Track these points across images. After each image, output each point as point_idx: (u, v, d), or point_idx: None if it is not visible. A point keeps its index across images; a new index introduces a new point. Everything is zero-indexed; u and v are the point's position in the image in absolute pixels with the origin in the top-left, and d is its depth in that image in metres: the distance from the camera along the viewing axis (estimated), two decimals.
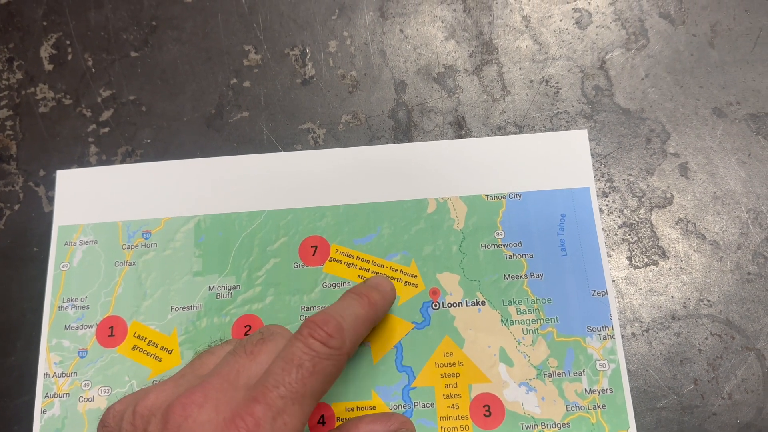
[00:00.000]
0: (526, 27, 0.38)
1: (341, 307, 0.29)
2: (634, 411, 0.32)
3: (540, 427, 0.32)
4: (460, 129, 0.37)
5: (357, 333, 0.28)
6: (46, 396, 0.34)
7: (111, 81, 0.40)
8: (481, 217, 0.35)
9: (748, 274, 0.34)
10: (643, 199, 0.35)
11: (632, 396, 0.32)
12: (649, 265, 0.34)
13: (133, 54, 0.40)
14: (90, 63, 0.40)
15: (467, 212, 0.35)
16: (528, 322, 0.33)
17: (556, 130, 0.36)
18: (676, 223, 0.35)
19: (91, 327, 0.35)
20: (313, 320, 0.27)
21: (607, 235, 0.35)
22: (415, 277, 0.35)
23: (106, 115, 0.39)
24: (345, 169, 0.37)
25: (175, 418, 0.24)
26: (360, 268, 0.35)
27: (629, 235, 0.35)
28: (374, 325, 0.31)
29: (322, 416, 0.32)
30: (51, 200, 0.37)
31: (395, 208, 0.36)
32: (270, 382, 0.25)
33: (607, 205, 0.35)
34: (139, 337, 0.34)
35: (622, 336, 0.33)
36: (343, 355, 0.27)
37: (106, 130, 0.39)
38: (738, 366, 0.32)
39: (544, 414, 0.32)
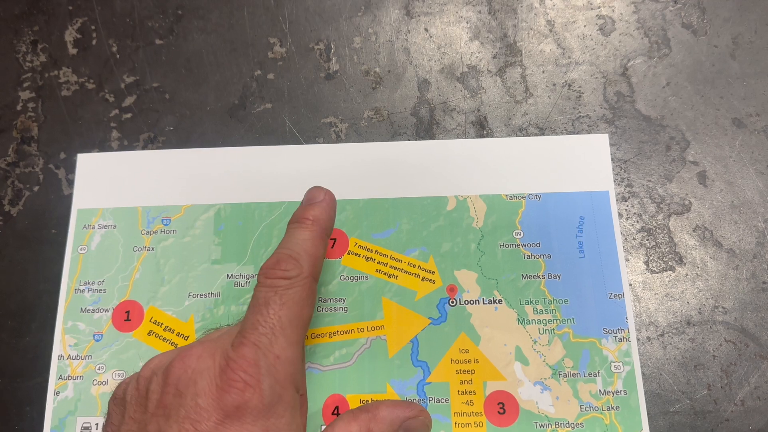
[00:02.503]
0: (551, 31, 0.39)
1: (285, 241, 0.29)
2: (648, 414, 0.32)
3: (554, 426, 0.32)
4: (481, 129, 0.37)
5: (310, 254, 0.28)
6: (60, 378, 0.34)
7: (135, 67, 0.40)
8: (501, 216, 0.35)
9: (764, 283, 0.34)
10: (661, 205, 0.35)
11: (646, 399, 0.32)
12: (666, 271, 0.34)
13: (157, 42, 0.40)
14: (114, 49, 0.40)
15: (486, 211, 0.36)
16: (544, 322, 0.34)
17: (577, 133, 0.37)
18: (694, 230, 0.35)
19: (107, 311, 0.35)
20: (264, 266, 0.27)
21: (625, 239, 0.35)
22: (433, 273, 0.35)
23: (129, 101, 0.39)
24: (366, 163, 0.37)
25: (176, 372, 0.25)
26: (378, 262, 0.35)
27: (647, 240, 0.35)
28: (327, 236, 0.30)
29: (337, 407, 0.32)
30: (71, 183, 0.37)
31: (415, 204, 0.36)
32: (247, 327, 0.26)
33: (626, 210, 0.35)
34: (155, 322, 0.34)
35: (638, 339, 0.33)
36: (306, 278, 0.27)
37: (129, 116, 0.39)
38: (751, 373, 0.33)
39: (558, 413, 0.32)
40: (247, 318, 0.26)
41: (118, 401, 0.27)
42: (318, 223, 0.29)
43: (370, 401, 0.32)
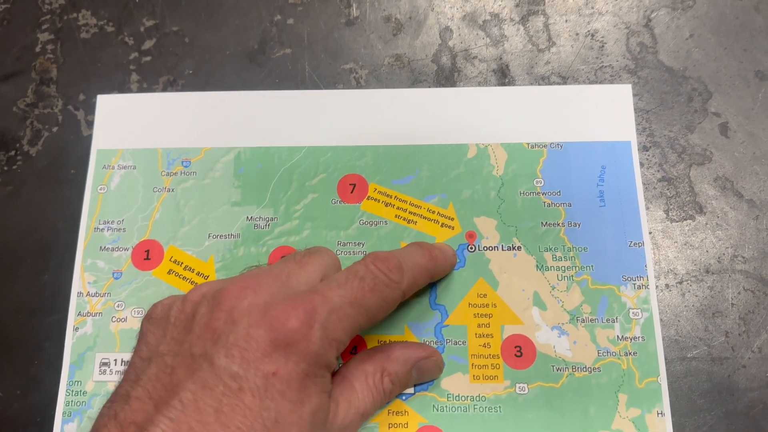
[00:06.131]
0: None
1: (404, 251, 0.30)
2: (665, 359, 0.32)
3: (570, 370, 0.32)
4: (503, 77, 0.37)
5: (414, 278, 0.29)
6: (79, 314, 0.34)
7: (154, 11, 0.39)
8: (521, 164, 0.35)
9: None
10: (682, 155, 0.35)
11: (663, 345, 0.32)
12: (686, 220, 0.34)
13: None
14: None
15: (507, 159, 0.36)
16: (563, 268, 0.34)
17: (599, 83, 0.37)
18: (714, 181, 0.35)
19: (126, 249, 0.35)
20: (376, 254, 0.28)
21: (646, 188, 0.35)
22: (452, 219, 0.35)
23: (149, 44, 0.39)
24: (386, 110, 0.37)
25: (230, 300, 0.25)
26: (397, 208, 0.35)
27: (667, 189, 0.35)
28: (432, 279, 0.32)
29: (355, 347, 0.33)
30: (90, 124, 0.37)
31: (435, 151, 0.36)
32: (333, 284, 0.26)
33: (647, 159, 0.35)
34: (175, 261, 0.34)
35: (656, 287, 0.33)
36: (399, 290, 0.28)
37: (148, 59, 0.38)
38: None
39: (576, 358, 0.32)
40: (335, 277, 0.26)
41: (156, 321, 0.26)
42: (435, 262, 0.31)
43: (388, 342, 0.33)
